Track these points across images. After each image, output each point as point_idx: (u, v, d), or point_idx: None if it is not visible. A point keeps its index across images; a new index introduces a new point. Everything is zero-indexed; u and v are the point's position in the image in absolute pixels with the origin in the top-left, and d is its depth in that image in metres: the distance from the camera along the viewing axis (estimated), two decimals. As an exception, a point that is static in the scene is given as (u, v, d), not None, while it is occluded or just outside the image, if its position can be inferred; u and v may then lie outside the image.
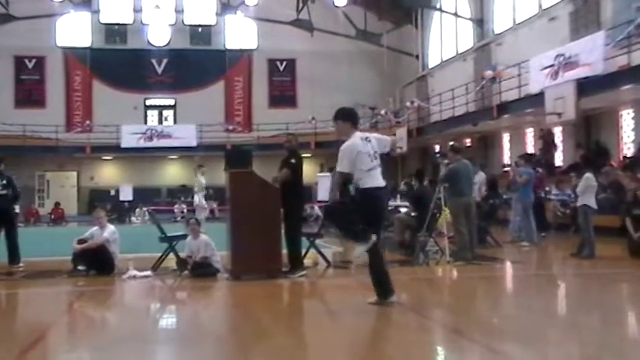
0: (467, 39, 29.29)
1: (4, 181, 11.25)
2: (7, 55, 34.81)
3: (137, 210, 30.44)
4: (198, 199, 19.41)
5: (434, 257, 12.26)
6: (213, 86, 36.96)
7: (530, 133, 24.96)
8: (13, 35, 33.85)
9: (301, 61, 37.16)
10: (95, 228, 11.03)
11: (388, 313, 7.32)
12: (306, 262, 10.73)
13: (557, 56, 18.61)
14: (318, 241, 11.66)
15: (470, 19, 28.66)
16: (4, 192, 11.18)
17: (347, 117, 7.58)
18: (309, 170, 13.60)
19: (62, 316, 8.24)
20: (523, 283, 10.50)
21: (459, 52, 30.06)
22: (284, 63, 37.76)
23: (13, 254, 11.17)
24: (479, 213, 13.20)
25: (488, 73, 23.75)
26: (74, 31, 36.27)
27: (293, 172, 10.13)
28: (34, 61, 36.00)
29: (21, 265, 11.12)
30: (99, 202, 27.77)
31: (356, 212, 7.28)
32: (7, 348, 6.08)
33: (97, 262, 10.57)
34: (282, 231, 10.06)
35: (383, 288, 7.40)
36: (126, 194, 32.39)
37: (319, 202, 25.32)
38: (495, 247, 13.91)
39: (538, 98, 19.43)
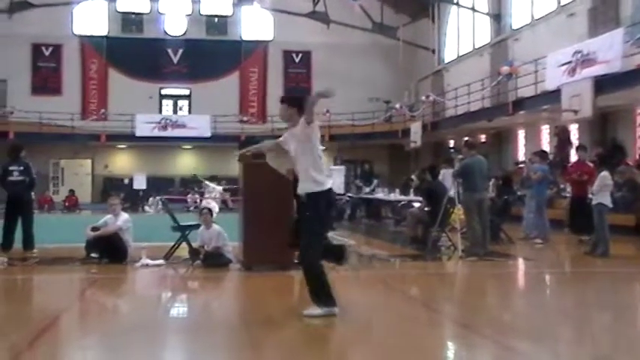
0: (484, 34, 29.13)
1: (22, 168, 11.30)
2: (24, 42, 34.94)
3: (150, 199, 30.54)
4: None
5: (446, 252, 12.23)
6: (229, 77, 36.98)
7: (545, 130, 24.82)
8: (30, 23, 33.98)
9: (317, 53, 37.09)
10: (109, 216, 11.08)
11: (399, 307, 7.32)
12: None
13: (574, 53, 18.46)
14: (329, 234, 11.63)
15: (487, 14, 28.50)
16: (20, 178, 11.24)
17: (294, 102, 7.02)
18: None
19: (74, 303, 8.29)
20: (535, 280, 10.45)
21: (476, 47, 29.92)
22: (299, 55, 37.71)
23: (28, 240, 11.23)
24: (492, 209, 13.14)
25: (505, 68, 23.62)
26: (91, 19, 36.37)
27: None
28: (50, 48, 36.12)
29: (35, 251, 11.19)
30: (113, 190, 27.86)
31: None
32: (20, 333, 6.12)
33: (110, 249, 10.61)
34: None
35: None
36: (139, 183, 32.50)
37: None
38: (508, 243, 13.85)
39: (554, 95, 19.30)
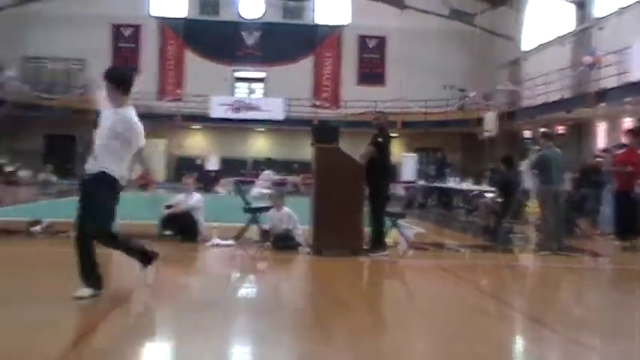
0: (566, 22, 28.29)
1: None
2: (105, 23, 35.80)
3: (222, 180, 30.96)
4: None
5: (518, 245, 11.99)
6: (303, 61, 37.07)
7: (627, 123, 24.00)
8: (111, 4, 34.78)
9: (391, 39, 36.79)
10: (182, 194, 11.28)
11: (467, 298, 7.21)
12: (388, 241, 10.64)
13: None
14: (400, 222, 11.56)
15: (570, 2, 27.66)
16: None
17: (115, 80, 6.48)
18: (394, 150, 13.45)
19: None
20: (610, 276, 10.15)
21: (557, 36, 29.08)
22: (374, 40, 37.49)
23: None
24: (568, 203, 12.79)
25: (587, 58, 22.94)
26: (169, 1, 36.95)
27: (380, 150, 10.05)
28: (130, 29, 36.92)
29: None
30: (186, 170, 28.33)
31: None
32: (93, 308, 6.28)
33: (183, 227, 10.80)
34: (367, 209, 10.01)
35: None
36: (212, 164, 32.98)
37: (404, 182, 25.21)
38: (584, 238, 13.48)
39: (639, 87, 18.64)
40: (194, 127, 36.63)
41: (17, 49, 34.37)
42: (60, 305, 6.29)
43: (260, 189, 18.62)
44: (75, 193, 11.83)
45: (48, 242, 10.39)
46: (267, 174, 20.28)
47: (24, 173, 27.84)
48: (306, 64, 37.20)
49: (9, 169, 28.20)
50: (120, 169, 6.50)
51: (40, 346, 4.78)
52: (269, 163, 28.11)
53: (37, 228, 10.91)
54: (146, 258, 6.74)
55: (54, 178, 26.73)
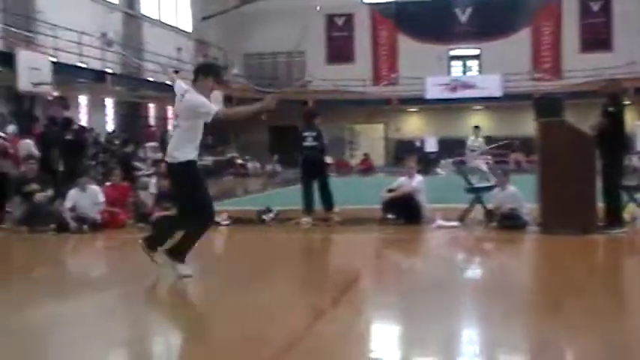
0: None
1: (314, 134, 11.75)
2: (319, 14, 36.83)
3: (442, 161, 30.69)
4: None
5: None
6: (519, 33, 35.56)
7: None
8: (325, -6, 35.74)
9: (617, 1, 34.22)
10: (403, 178, 11.26)
11: None
12: (625, 217, 9.86)
13: None
14: (638, 195, 10.67)
15: None
16: (313, 144, 11.69)
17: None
18: (627, 119, 12.37)
19: (372, 262, 8.56)
20: None
21: None
22: (598, 3, 35.08)
23: (327, 201, 11.69)
24: None
25: None
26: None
27: (612, 120, 9.30)
28: (343, 18, 37.70)
29: (336, 210, 11.56)
30: (404, 153, 28.43)
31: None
32: (322, 290, 6.43)
33: (405, 210, 10.77)
34: (600, 183, 9.35)
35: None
36: (431, 145, 32.82)
37: (639, 152, 23.53)
38: None
39: None
40: (410, 109, 36.67)
41: (240, 48, 36.45)
42: (290, 289, 6.51)
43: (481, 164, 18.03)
44: (298, 182, 12.29)
45: (278, 229, 10.85)
46: (478, 146, 19.34)
47: (253, 165, 29.48)
48: (522, 36, 35.67)
49: (239, 161, 29.99)
50: None
51: (271, 332, 4.94)
52: (488, 142, 27.34)
53: (269, 216, 11.42)
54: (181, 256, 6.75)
55: (279, 168, 28.03)
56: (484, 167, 16.85)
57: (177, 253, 6.64)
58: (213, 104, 6.67)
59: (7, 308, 5.87)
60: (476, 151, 19.04)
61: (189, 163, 6.59)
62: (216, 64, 7.59)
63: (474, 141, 19.24)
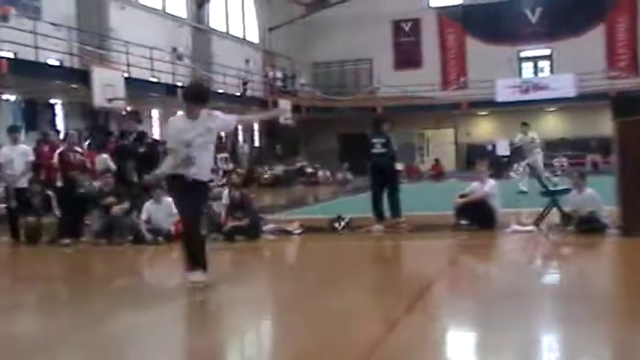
0: None
1: (383, 140, 11.64)
2: (386, 20, 36.75)
3: (515, 164, 30.10)
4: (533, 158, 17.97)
5: None
6: (592, 31, 34.68)
7: None
8: (390, 1, 35.60)
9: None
10: (475, 183, 11.06)
11: None
12: None
13: None
14: None
15: None
16: (382, 150, 11.57)
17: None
18: None
19: (446, 269, 8.43)
20: None
21: None
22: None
23: (395, 208, 11.56)
24: None
25: None
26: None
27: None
28: (409, 24, 37.51)
29: (402, 219, 11.42)
30: (476, 157, 28.03)
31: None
32: (397, 297, 6.35)
33: (479, 216, 10.58)
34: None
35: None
36: (503, 149, 32.23)
37: None
38: None
39: None
40: (480, 113, 36.15)
41: (307, 57, 36.70)
42: (364, 297, 6.47)
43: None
44: (368, 190, 12.21)
45: (350, 237, 10.81)
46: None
47: (323, 173, 29.53)
48: (595, 34, 34.74)
49: (309, 170, 30.09)
50: None
51: (348, 340, 4.90)
52: (561, 144, 26.73)
53: (340, 224, 11.38)
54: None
55: (350, 176, 27.97)
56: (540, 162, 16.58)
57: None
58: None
59: (87, 319, 6.00)
60: (535, 145, 18.42)
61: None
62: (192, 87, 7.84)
63: (521, 139, 18.68)
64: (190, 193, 6.76)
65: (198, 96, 6.91)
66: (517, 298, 6.06)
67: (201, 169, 6.83)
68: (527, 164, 16.96)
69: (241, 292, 6.83)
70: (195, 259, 6.73)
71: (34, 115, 19.63)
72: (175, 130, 6.83)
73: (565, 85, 32.44)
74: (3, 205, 12.55)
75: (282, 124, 29.39)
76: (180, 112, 7.03)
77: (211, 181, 7.55)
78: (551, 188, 10.95)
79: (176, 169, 6.75)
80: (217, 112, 7.02)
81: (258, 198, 17.52)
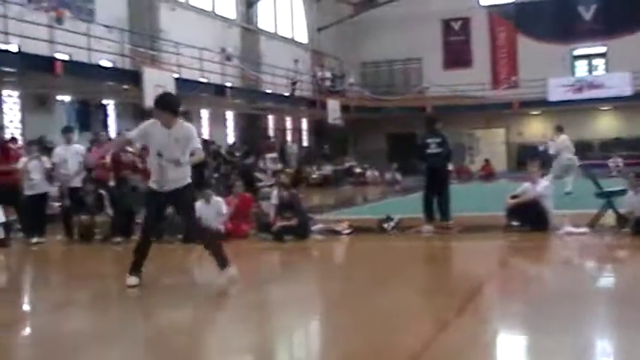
0: None
1: (438, 140, 11.48)
2: (435, 19, 36.46)
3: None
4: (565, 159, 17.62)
5: None
6: (649, 29, 33.83)
7: None
8: (440, 0, 35.30)
9: None
10: (527, 183, 10.86)
11: None
12: None
13: None
14: None
15: None
16: (437, 150, 11.42)
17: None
18: None
19: (497, 271, 8.30)
20: None
21: None
22: None
23: (445, 210, 11.41)
24: None
25: None
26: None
27: None
28: (459, 22, 37.14)
29: (451, 222, 11.27)
30: (527, 157, 27.56)
31: None
32: (447, 298, 6.27)
33: (531, 217, 10.38)
34: None
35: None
36: (555, 149, 31.65)
37: None
38: None
39: None
40: (532, 112, 35.57)
41: (356, 56, 36.64)
42: (413, 298, 6.40)
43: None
44: (418, 190, 12.08)
45: (399, 237, 10.73)
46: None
47: (371, 173, 29.39)
48: (652, 31, 33.90)
49: (358, 170, 30.00)
50: None
51: (398, 341, 4.85)
52: (616, 143, 26.11)
53: (390, 224, 11.31)
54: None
55: (399, 177, 27.80)
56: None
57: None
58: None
59: (138, 315, 6.07)
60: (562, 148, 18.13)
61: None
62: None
63: (555, 145, 18.36)
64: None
65: (169, 105, 7.21)
66: (570, 302, 5.94)
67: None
68: (581, 165, 16.67)
69: (290, 291, 6.84)
70: (217, 259, 6.95)
71: (87, 115, 19.98)
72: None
73: (620, 84, 31.73)
74: (57, 204, 12.81)
75: (331, 123, 29.37)
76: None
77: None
78: (606, 190, 10.67)
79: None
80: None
81: (307, 198, 17.53)
